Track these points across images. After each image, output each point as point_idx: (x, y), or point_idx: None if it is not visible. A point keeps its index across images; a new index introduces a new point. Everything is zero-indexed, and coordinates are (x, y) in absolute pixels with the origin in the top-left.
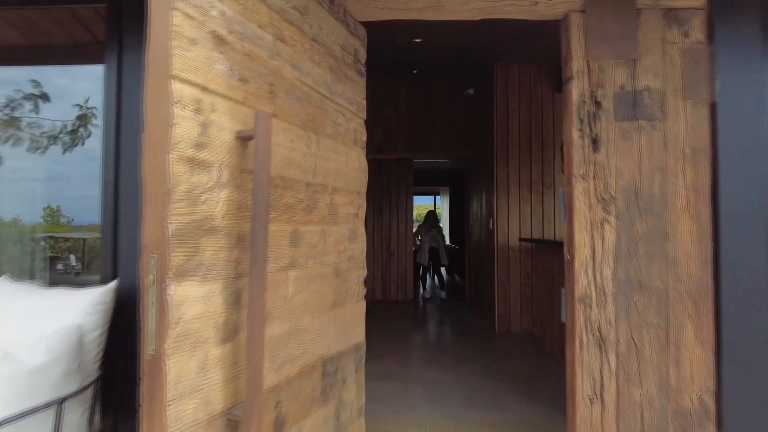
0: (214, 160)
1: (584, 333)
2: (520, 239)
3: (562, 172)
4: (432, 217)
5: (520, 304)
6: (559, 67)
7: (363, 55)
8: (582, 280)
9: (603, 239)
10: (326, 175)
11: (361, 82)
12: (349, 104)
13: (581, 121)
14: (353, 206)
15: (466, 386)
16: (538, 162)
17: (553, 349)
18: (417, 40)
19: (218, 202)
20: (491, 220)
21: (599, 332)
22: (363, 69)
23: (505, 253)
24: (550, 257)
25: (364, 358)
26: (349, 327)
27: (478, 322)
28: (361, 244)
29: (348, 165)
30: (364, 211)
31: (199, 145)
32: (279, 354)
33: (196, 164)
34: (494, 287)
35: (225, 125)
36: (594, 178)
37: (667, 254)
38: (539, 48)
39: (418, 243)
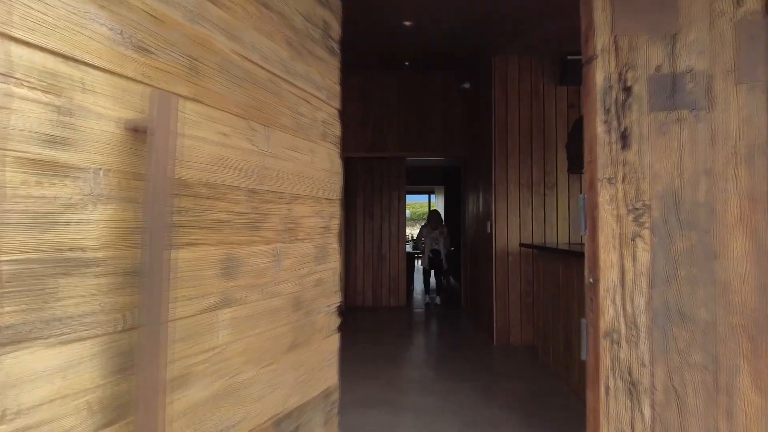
0: (87, 163)
1: (611, 376)
2: (521, 245)
3: (569, 172)
4: (435, 217)
5: (521, 314)
6: (563, 57)
7: (336, 31)
8: (608, 311)
9: (635, 259)
10: (281, 180)
11: (333, 63)
12: (315, 89)
13: (607, 111)
14: (322, 217)
15: (463, 414)
16: (539, 161)
17: (557, 367)
18: (407, 23)
19: (92, 224)
20: (489, 223)
21: (630, 375)
22: (336, 47)
23: (504, 259)
24: (554, 265)
25: (337, 404)
26: (316, 371)
27: (474, 332)
28: (332, 264)
29: (314, 166)
30: (339, 223)
31: (57, 142)
32: (204, 426)
33: (50, 169)
34: (492, 295)
35: (106, 112)
36: (623, 182)
37: (716, 278)
38: (543, 34)
39: (422, 245)
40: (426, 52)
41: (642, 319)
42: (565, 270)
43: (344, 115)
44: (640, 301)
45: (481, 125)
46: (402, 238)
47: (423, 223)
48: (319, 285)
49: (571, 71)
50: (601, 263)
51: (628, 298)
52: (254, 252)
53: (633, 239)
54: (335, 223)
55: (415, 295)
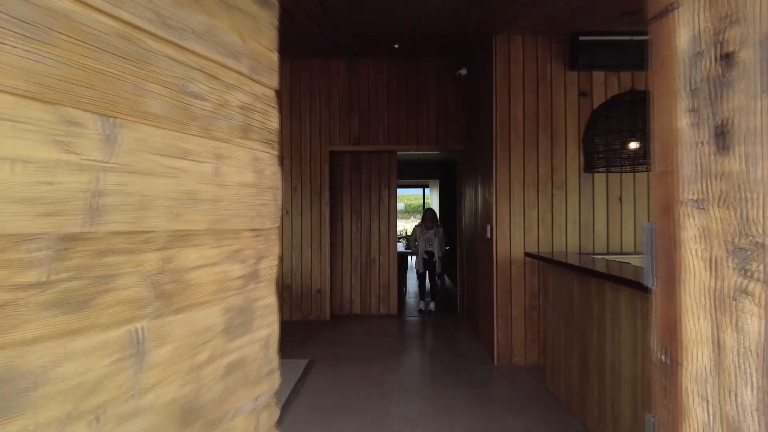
0: None
1: None
2: (526, 254)
3: (586, 171)
4: (430, 216)
5: (525, 331)
6: (574, 38)
7: None
8: (696, 411)
9: (739, 330)
10: (146, 210)
11: (265, 17)
12: (226, 55)
13: (693, 92)
14: (241, 261)
15: None
16: (546, 156)
17: (570, 399)
18: None
19: None
20: (489, 227)
21: None
22: None
23: (507, 268)
24: (567, 280)
25: None
26: None
27: (472, 347)
28: (263, 331)
29: (224, 179)
30: (276, 262)
31: None
32: None
33: None
34: (493, 310)
35: None
36: (720, 205)
37: None
38: (551, 11)
39: (415, 246)
40: (417, 33)
41: (753, 425)
42: (582, 288)
43: (328, 104)
44: (749, 397)
45: (480, 116)
46: (393, 239)
47: (417, 223)
48: (236, 371)
49: (583, 54)
50: (685, 335)
51: (728, 393)
52: (76, 350)
53: (736, 297)
54: (270, 264)
55: (407, 298)
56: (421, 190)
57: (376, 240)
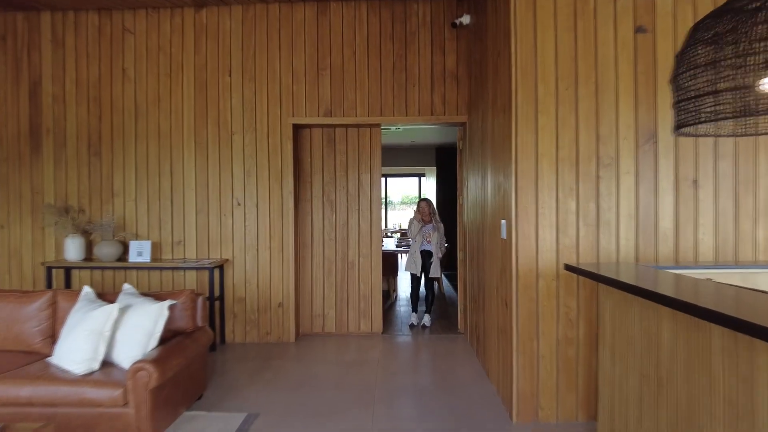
0: None
1: None
2: (567, 268)
3: (677, 130)
4: (425, 207)
5: (557, 374)
6: None
7: None
8: None
9: None
10: None
11: None
12: None
13: None
14: None
15: None
16: (589, 120)
17: None
18: None
19: None
20: (506, 224)
21: None
22: None
23: (532, 282)
24: (643, 314)
25: None
26: None
27: (480, 391)
28: None
29: None
30: None
31: None
32: None
33: None
34: (511, 341)
35: None
36: None
37: None
38: None
39: (412, 242)
40: None
41: None
42: (681, 335)
43: (291, 63)
44: None
45: (491, 73)
46: (377, 237)
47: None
48: None
49: None
50: None
51: None
52: None
53: None
54: None
55: (397, 306)
56: (416, 179)
57: (355, 238)
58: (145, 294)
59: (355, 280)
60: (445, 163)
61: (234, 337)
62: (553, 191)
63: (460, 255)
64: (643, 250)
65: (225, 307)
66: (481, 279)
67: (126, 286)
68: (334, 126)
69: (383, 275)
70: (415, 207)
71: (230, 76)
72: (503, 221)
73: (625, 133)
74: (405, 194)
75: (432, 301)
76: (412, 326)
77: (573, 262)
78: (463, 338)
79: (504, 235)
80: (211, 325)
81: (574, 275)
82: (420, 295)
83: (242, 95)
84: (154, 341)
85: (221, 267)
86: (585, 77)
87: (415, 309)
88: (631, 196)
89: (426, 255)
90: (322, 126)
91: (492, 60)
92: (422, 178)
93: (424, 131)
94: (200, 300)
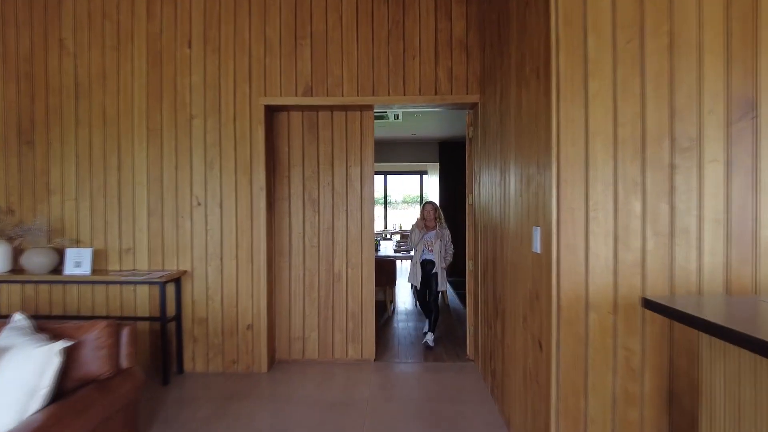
0: None
1: None
2: (646, 303)
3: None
4: (429, 210)
5: None
6: None
7: None
8: None
9: None
10: None
11: None
12: None
13: None
14: None
15: None
16: (660, 86)
17: None
18: None
19: None
20: (540, 232)
21: None
22: None
23: (579, 317)
24: (757, 366)
25: None
26: None
27: None
28: None
29: None
30: None
31: None
32: None
33: None
34: (549, 397)
35: None
36: None
37: None
38: None
39: (414, 251)
40: None
41: None
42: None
43: (263, 31)
44: None
45: (513, 34)
46: (368, 243)
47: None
48: None
49: None
50: None
51: None
52: None
53: None
54: None
55: (395, 322)
56: (417, 176)
57: (342, 245)
58: (48, 325)
59: (342, 295)
60: (450, 159)
61: (194, 365)
62: (609, 186)
63: (469, 265)
64: (737, 271)
65: (183, 330)
66: (500, 300)
67: (16, 317)
68: (317, 108)
69: (379, 284)
70: (418, 208)
71: (190, 47)
72: (536, 228)
73: (711, 105)
74: (406, 194)
75: (436, 318)
76: (426, 346)
77: (637, 287)
78: (473, 367)
79: (537, 247)
80: (166, 351)
81: (636, 305)
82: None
83: (204, 71)
84: (37, 401)
85: (178, 280)
86: (654, 26)
87: (430, 326)
88: (719, 193)
89: (428, 265)
90: (301, 108)
91: (517, 15)
92: (424, 176)
93: (426, 121)
94: (125, 333)
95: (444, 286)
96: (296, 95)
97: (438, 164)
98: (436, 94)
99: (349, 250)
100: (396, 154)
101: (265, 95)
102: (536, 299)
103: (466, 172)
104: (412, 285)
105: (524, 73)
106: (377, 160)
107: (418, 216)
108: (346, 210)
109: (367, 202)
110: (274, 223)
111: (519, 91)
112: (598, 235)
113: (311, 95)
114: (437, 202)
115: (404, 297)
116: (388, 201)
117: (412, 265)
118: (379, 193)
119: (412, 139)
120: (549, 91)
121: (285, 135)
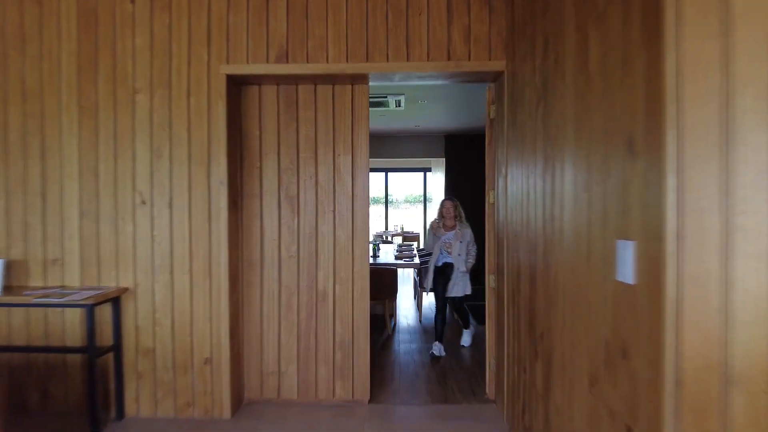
0: None
1: None
2: None
3: None
4: (448, 207)
5: None
6: None
7: None
8: None
9: None
10: None
11: None
12: None
13: None
14: None
15: None
16: None
17: None
18: None
19: None
20: (634, 248)
21: None
22: None
23: (711, 395)
24: None
25: None
26: None
27: None
28: None
29: None
30: None
31: None
32: None
33: None
34: None
35: None
36: None
37: None
38: None
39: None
40: None
41: None
42: None
43: None
44: None
45: None
46: (362, 251)
47: (435, 218)
48: None
49: None
50: None
51: None
52: None
53: None
54: None
55: (395, 346)
56: (420, 174)
57: (328, 254)
58: None
59: (327, 318)
60: (458, 153)
61: (138, 408)
62: (764, 173)
63: (490, 280)
64: None
65: (124, 363)
66: (542, 337)
67: None
68: (295, 79)
69: (377, 298)
70: (420, 208)
71: (133, 2)
72: (625, 244)
73: None
74: (408, 193)
75: (466, 317)
76: (433, 356)
77: None
78: (495, 412)
79: (627, 273)
80: (94, 393)
81: None
82: (441, 320)
83: (151, 32)
84: None
85: (117, 300)
86: None
87: (438, 338)
88: None
89: (447, 269)
90: (276, 79)
91: None
92: (428, 173)
93: (432, 110)
94: None
95: (464, 290)
96: (268, 62)
97: (444, 159)
98: (449, 59)
99: (337, 261)
100: (397, 148)
101: (228, 62)
102: (622, 357)
103: (486, 162)
104: (431, 292)
105: (595, 4)
106: (376, 155)
107: (435, 215)
108: (334, 211)
109: (360, 200)
110: (242, 227)
111: (583, 34)
112: (748, 257)
113: (287, 62)
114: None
115: (406, 310)
116: (389, 201)
117: (428, 271)
118: (379, 191)
119: (415, 132)
120: (658, 11)
121: (255, 115)
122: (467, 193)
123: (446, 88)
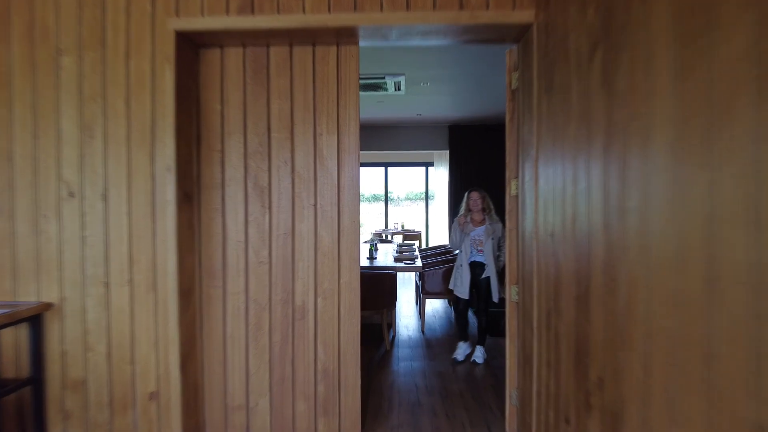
0: None
1: None
2: None
3: None
4: (476, 199)
5: None
6: None
7: None
8: None
9: None
10: None
11: None
12: None
13: None
14: None
15: None
16: None
17: None
18: None
19: None
20: None
21: None
22: None
23: None
24: None
25: None
26: None
27: None
28: None
29: None
30: None
31: None
32: None
33: None
34: None
35: None
36: None
37: None
38: None
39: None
40: None
41: None
42: None
43: None
44: None
45: None
46: (350, 257)
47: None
48: None
49: None
50: None
51: None
52: None
53: None
54: None
55: (395, 365)
56: (422, 168)
57: (308, 260)
58: None
59: (307, 341)
60: (463, 145)
61: None
62: None
63: (511, 292)
64: None
65: (47, 399)
66: (600, 385)
67: None
68: (266, 38)
69: (374, 307)
70: (422, 206)
71: None
72: None
73: None
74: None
75: (486, 328)
76: (456, 361)
77: None
78: None
79: None
80: None
81: None
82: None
83: None
84: None
85: (36, 319)
86: None
87: (463, 336)
88: None
89: (477, 269)
90: (241, 38)
91: None
92: (429, 168)
93: (435, 95)
94: None
95: (498, 295)
96: (228, 14)
97: (448, 152)
98: (461, 9)
99: (320, 268)
100: (397, 139)
101: (178, 15)
102: None
103: (507, 143)
104: (458, 299)
105: None
106: (375, 147)
107: (462, 209)
108: (315, 205)
109: (348, 192)
110: (199, 226)
111: None
112: None
113: (252, 13)
114: (447, 199)
115: (407, 319)
116: (390, 198)
117: (457, 269)
118: (378, 188)
119: (416, 122)
120: None
121: (216, 85)
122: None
123: (452, 67)
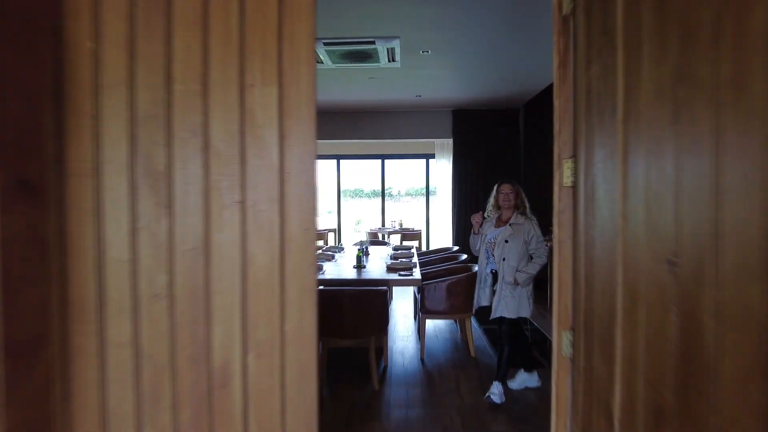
0: None
1: None
2: None
3: None
4: (507, 192)
5: None
6: None
7: None
8: None
9: None
10: None
11: None
12: None
13: None
14: None
15: None
16: None
17: None
18: None
19: None
20: None
21: None
22: None
23: None
24: None
25: None
26: None
27: None
28: None
29: None
30: None
31: None
32: None
33: None
34: None
35: None
36: None
37: None
38: None
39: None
40: None
41: None
42: None
43: None
44: None
45: None
46: (304, 287)
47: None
48: None
49: None
50: None
51: None
52: None
53: None
54: None
55: (388, 404)
56: (423, 161)
57: (231, 293)
58: None
59: (232, 421)
60: (470, 133)
61: None
62: None
63: (564, 341)
64: None
65: None
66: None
67: None
68: None
69: (362, 335)
70: (423, 202)
71: None
72: None
73: None
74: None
75: (507, 358)
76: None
77: None
78: None
79: None
80: None
81: None
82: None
83: None
84: None
85: None
86: None
87: (500, 368)
88: None
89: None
90: None
91: None
92: (431, 161)
93: (437, 69)
94: None
95: (517, 311)
96: None
97: (451, 141)
98: None
99: (251, 305)
100: (394, 126)
101: None
102: None
103: (555, 104)
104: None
105: None
106: (368, 134)
107: (489, 205)
108: (243, 203)
109: (297, 181)
110: (57, 237)
111: None
112: None
113: None
114: (450, 194)
115: (403, 341)
116: (389, 193)
117: (479, 283)
118: (375, 183)
119: (416, 105)
120: None
121: (85, 8)
122: (481, 185)
123: (455, 30)
